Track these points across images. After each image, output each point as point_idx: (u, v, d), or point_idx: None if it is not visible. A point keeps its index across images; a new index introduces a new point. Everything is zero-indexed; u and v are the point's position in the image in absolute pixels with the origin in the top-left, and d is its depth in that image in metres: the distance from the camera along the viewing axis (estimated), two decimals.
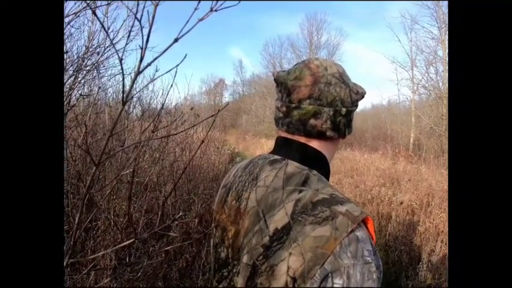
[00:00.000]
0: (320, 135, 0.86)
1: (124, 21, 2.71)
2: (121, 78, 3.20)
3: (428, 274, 3.95)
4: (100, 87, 3.29)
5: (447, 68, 13.90)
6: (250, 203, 0.83)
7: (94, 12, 0.62)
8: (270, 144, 18.52)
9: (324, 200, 0.74)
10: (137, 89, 3.80)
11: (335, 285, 0.65)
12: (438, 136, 13.42)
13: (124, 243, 0.85)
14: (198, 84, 46.86)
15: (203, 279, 3.28)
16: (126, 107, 3.72)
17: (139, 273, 2.37)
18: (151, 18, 0.56)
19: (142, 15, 0.54)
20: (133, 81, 0.61)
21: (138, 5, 0.52)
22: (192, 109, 4.24)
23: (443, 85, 14.26)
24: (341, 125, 0.87)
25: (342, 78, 0.86)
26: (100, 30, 2.80)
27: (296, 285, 0.68)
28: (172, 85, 0.89)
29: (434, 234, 4.63)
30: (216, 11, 0.64)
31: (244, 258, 0.79)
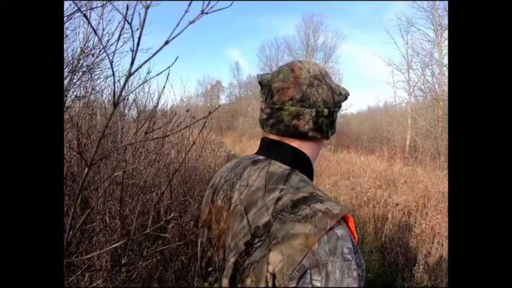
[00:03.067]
0: (303, 136, 0.88)
1: (119, 23, 2.70)
2: (116, 80, 3.20)
3: (425, 276, 3.96)
4: (93, 89, 3.29)
5: (443, 70, 13.96)
6: (234, 203, 0.85)
7: (85, 16, 0.62)
8: None
9: (304, 199, 0.76)
10: (130, 91, 3.80)
11: (313, 282, 0.67)
12: (434, 138, 13.46)
13: (117, 244, 0.85)
14: (195, 86, 46.80)
15: (198, 281, 3.27)
16: (121, 109, 3.72)
17: (134, 275, 2.36)
18: (142, 20, 0.57)
19: (132, 18, 0.54)
20: (124, 84, 0.62)
21: (128, 8, 0.53)
22: (187, 111, 4.23)
23: (439, 87, 14.32)
24: (324, 125, 0.89)
25: (324, 79, 0.88)
26: (95, 32, 2.80)
27: (276, 282, 0.70)
28: (164, 86, 0.90)
29: (430, 235, 4.64)
30: (206, 13, 0.65)
31: (230, 257, 0.81)
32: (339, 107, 0.92)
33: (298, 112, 0.85)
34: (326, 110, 0.87)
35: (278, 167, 0.85)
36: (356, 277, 0.68)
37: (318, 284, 0.67)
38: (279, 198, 0.77)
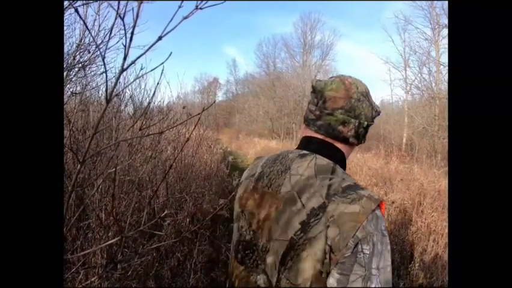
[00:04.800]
0: (344, 140, 1.05)
1: (115, 19, 2.67)
2: (111, 76, 3.18)
3: (420, 273, 3.98)
4: (86, 85, 3.27)
5: (440, 68, 13.98)
6: (284, 189, 0.99)
7: (76, 11, 0.62)
8: (262, 143, 18.48)
9: (351, 186, 0.93)
10: (125, 86, 3.78)
11: (364, 250, 0.84)
12: (430, 136, 13.48)
13: (111, 241, 0.85)
14: (191, 83, 46.65)
15: (194, 278, 3.28)
16: (117, 105, 3.70)
17: (130, 272, 2.36)
18: (134, 16, 0.56)
19: (124, 14, 0.54)
20: (117, 80, 0.62)
21: (119, 4, 0.52)
22: (184, 108, 4.22)
23: (436, 86, 14.34)
24: (361, 135, 1.07)
25: (368, 96, 1.06)
26: (92, 28, 2.78)
27: (331, 252, 0.85)
28: (159, 83, 0.91)
29: (425, 233, 4.66)
30: (201, 9, 0.65)
31: (280, 236, 0.95)
32: (373, 121, 1.09)
33: (345, 120, 1.02)
34: (365, 122, 1.04)
35: (323, 161, 1.00)
36: (390, 250, 0.88)
37: (367, 252, 0.84)
38: (330, 185, 0.93)
